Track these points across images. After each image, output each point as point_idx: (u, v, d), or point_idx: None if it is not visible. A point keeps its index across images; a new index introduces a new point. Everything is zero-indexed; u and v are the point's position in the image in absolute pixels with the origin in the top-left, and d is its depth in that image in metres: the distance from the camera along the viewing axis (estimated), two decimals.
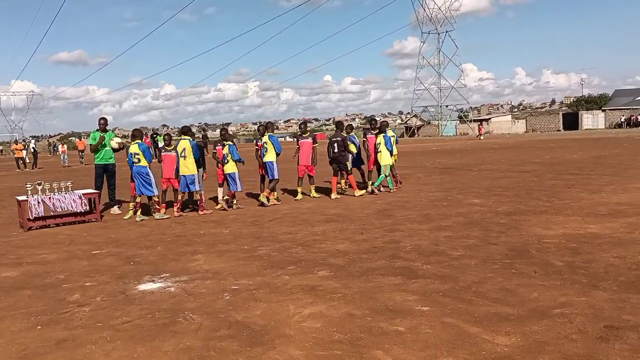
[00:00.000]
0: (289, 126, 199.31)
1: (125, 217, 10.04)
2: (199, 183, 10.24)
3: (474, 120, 78.63)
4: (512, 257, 5.74)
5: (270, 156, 10.90)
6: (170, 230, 8.54)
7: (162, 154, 10.29)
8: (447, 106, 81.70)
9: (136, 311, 4.61)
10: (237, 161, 10.46)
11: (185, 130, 10.66)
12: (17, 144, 32.98)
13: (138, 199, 10.04)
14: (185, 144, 10.16)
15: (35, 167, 30.82)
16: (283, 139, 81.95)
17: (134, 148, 9.87)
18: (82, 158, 33.41)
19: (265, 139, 11.04)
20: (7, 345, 3.99)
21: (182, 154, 10.11)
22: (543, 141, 35.70)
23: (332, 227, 8.05)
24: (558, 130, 64.44)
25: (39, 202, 9.13)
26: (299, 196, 11.47)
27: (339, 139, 11.58)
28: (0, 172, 28.55)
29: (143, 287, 5.37)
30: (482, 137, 50.22)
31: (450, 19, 78.64)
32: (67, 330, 4.24)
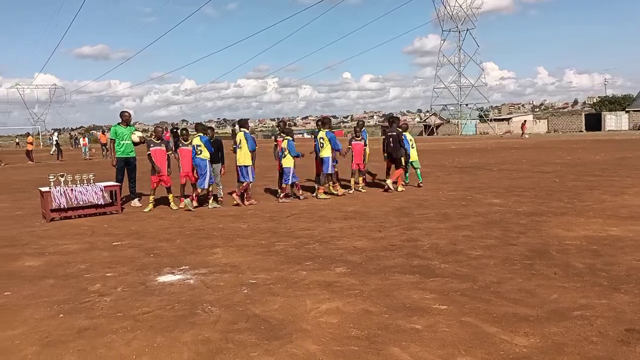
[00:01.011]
0: (307, 123, 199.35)
1: (145, 210, 10.16)
2: (250, 174, 10.43)
3: (496, 119, 77.85)
4: (531, 258, 5.69)
5: (326, 151, 11.13)
6: (190, 224, 8.62)
7: (179, 148, 10.40)
8: (467, 105, 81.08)
9: (156, 302, 4.68)
10: (295, 156, 10.80)
11: (242, 123, 10.96)
12: (28, 137, 32.82)
13: (199, 190, 10.36)
14: (240, 136, 10.50)
15: (59, 159, 31.26)
16: (301, 135, 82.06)
17: (196, 140, 10.24)
18: (105, 151, 33.65)
19: (322, 134, 11.33)
20: (31, 332, 4.08)
21: (239, 145, 10.43)
22: (565, 142, 35.21)
23: (350, 224, 8.05)
24: (580, 131, 63.45)
25: (61, 194, 9.29)
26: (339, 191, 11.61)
27: (394, 133, 11.90)
28: (24, 164, 29.05)
29: (163, 278, 5.44)
30: (526, 136, 49.31)
31: (471, 17, 78.05)
32: (89, 319, 4.32)
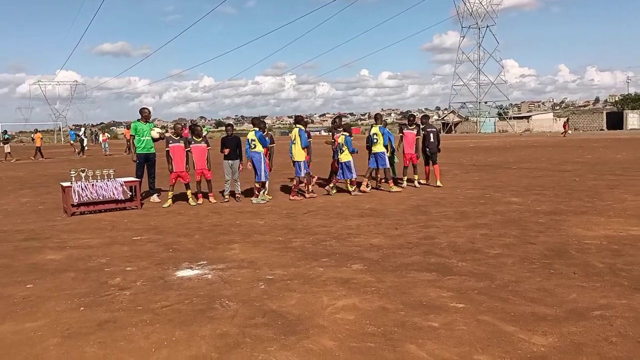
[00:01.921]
0: (324, 120, 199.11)
1: (164, 206, 10.27)
2: (302, 169, 10.70)
3: (515, 117, 77.00)
4: (550, 257, 5.63)
5: (379, 147, 11.41)
6: (208, 220, 8.70)
7: (191, 145, 10.48)
8: (486, 102, 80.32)
9: (175, 296, 4.74)
10: (352, 152, 11.03)
11: (298, 120, 11.15)
12: (37, 133, 32.58)
13: (257, 184, 10.71)
14: (295, 132, 10.77)
15: (81, 155, 31.57)
16: (318, 132, 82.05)
17: (251, 135, 10.54)
18: (127, 148, 33.69)
19: (375, 129, 11.64)
20: (52, 324, 4.16)
21: (293, 141, 10.73)
22: (585, 140, 34.71)
23: (367, 222, 8.05)
24: (601, 130, 62.44)
25: (82, 189, 9.44)
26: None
27: (435, 129, 12.33)
28: (45, 160, 29.51)
29: (181, 273, 5.51)
30: (570, 132, 48.58)
31: (491, 14, 77.21)
32: (109, 312, 4.39)
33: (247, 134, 10.76)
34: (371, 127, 12.03)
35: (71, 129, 57.29)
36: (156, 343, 3.71)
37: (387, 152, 11.59)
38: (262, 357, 3.43)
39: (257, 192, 10.72)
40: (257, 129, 10.71)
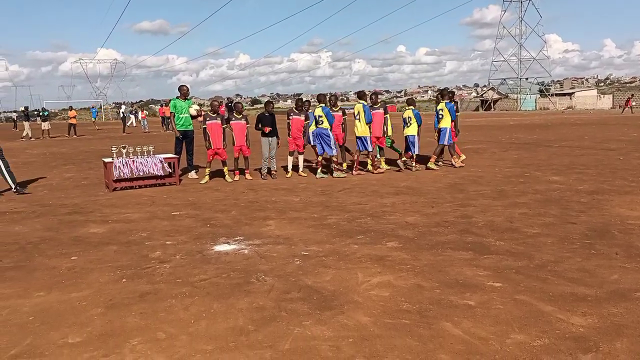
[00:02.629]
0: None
1: (201, 182, 10.44)
2: (369, 144, 10.86)
3: (557, 94, 74.65)
4: (592, 237, 5.49)
5: (446, 122, 11.44)
6: (244, 196, 8.81)
7: (231, 122, 10.56)
8: (527, 79, 78.10)
9: (212, 270, 4.84)
10: (419, 125, 11.25)
11: (361, 95, 11.26)
12: (71, 111, 32.13)
13: (320, 158, 11.10)
14: (359, 107, 10.89)
15: (124, 132, 32.07)
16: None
17: (318, 111, 10.68)
18: (164, 125, 34.04)
19: (441, 105, 11.68)
20: (96, 295, 4.32)
21: (357, 117, 10.84)
22: (630, 118, 33.42)
23: (402, 200, 8.01)
24: None
25: (123, 165, 9.67)
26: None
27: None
28: (86, 136, 30.30)
29: (219, 248, 5.61)
30: (638, 107, 47.02)
31: None
32: (150, 284, 4.53)
33: (314, 110, 10.88)
34: (437, 104, 12.00)
35: (93, 107, 57.84)
36: (195, 315, 3.81)
37: (418, 132, 11.44)
38: (298, 331, 3.48)
39: (335, 166, 10.89)
40: (323, 104, 10.81)
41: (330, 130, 10.59)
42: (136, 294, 4.28)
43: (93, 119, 44.56)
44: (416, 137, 11.24)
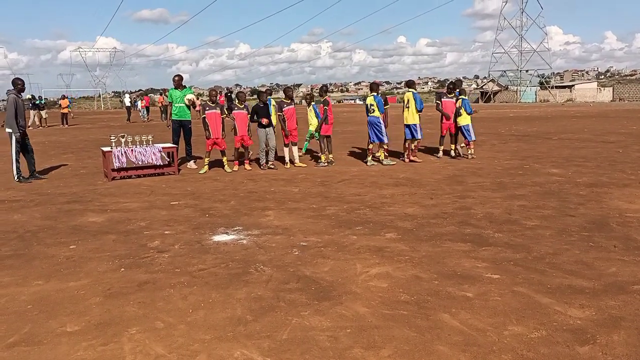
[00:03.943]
0: (359, 89, 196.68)
1: (200, 172, 10.43)
2: (418, 132, 10.98)
3: (557, 87, 74.50)
4: (590, 230, 5.50)
5: (465, 119, 11.49)
6: (243, 187, 8.80)
7: (233, 111, 10.52)
8: (527, 71, 77.76)
9: (211, 260, 4.85)
10: (470, 113, 11.42)
11: (410, 84, 11.50)
12: (63, 99, 30.87)
13: (370, 146, 11.05)
14: (409, 96, 11.02)
15: (128, 121, 31.79)
16: (353, 101, 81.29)
17: (369, 100, 10.83)
18: (162, 114, 33.56)
19: (459, 104, 11.65)
20: (94, 284, 4.32)
21: (407, 105, 11.01)
22: (630, 111, 33.37)
23: (401, 191, 8.00)
24: None
25: (122, 154, 9.65)
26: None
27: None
28: (86, 125, 30.23)
29: (217, 238, 5.62)
30: None
31: None
32: (148, 273, 4.53)
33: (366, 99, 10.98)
34: (456, 101, 11.80)
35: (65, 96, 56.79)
36: (193, 304, 3.82)
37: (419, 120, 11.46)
38: (296, 321, 3.49)
39: (386, 154, 11.02)
40: (375, 93, 10.86)
41: (381, 119, 10.68)
42: (135, 284, 4.29)
43: (69, 109, 44.09)
44: (470, 125, 11.35)
